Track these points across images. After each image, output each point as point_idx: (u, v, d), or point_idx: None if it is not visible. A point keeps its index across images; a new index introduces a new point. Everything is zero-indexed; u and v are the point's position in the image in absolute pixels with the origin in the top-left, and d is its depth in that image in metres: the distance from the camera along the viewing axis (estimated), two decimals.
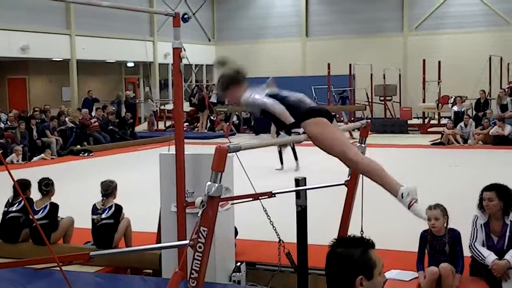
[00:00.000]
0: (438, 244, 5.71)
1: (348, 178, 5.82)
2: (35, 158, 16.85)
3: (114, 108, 23.11)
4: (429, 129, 22.47)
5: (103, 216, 6.75)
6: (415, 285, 5.66)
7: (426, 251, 5.78)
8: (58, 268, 4.00)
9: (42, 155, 17.03)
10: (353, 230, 5.79)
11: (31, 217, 6.62)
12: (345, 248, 2.54)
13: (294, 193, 5.81)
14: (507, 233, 5.57)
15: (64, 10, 24.55)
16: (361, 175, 5.71)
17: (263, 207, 6.08)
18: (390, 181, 4.26)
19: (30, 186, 7.28)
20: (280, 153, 13.13)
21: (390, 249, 6.61)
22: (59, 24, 24.30)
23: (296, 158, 13.31)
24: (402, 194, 4.16)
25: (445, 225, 5.73)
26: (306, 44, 31.09)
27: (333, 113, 4.82)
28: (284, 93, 4.68)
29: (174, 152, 5.67)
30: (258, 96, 4.53)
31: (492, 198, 5.57)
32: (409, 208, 4.17)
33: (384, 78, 25.68)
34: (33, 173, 10.51)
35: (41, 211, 6.93)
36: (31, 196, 7.20)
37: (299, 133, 4.45)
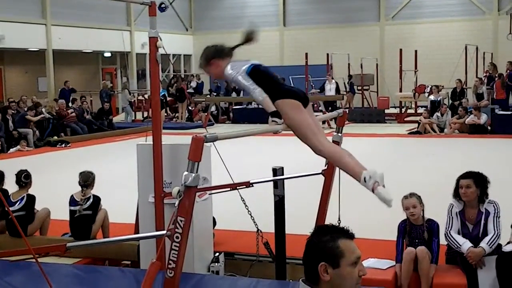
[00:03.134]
0: (416, 232, 5.76)
1: (325, 167, 5.84)
2: (11, 150, 16.72)
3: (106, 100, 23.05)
4: (406, 118, 22.62)
5: (84, 207, 6.73)
6: (391, 273, 5.71)
7: (404, 242, 5.83)
8: (35, 260, 3.98)
9: (19, 146, 16.90)
10: (331, 219, 5.82)
11: (6, 209, 6.56)
12: (317, 235, 2.55)
13: (272, 182, 5.82)
14: (482, 221, 5.63)
15: None
16: None
17: (241, 197, 6.09)
18: (353, 167, 4.22)
19: (4, 177, 7.23)
20: None
21: (367, 237, 6.66)
22: (35, 14, 24.04)
23: None
24: (365, 178, 4.09)
25: (422, 213, 5.79)
26: (283, 34, 31.08)
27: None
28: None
29: (152, 142, 5.65)
30: (242, 78, 4.54)
31: (470, 185, 5.62)
32: (373, 191, 4.09)
33: (361, 67, 25.75)
34: (10, 165, 10.44)
35: (18, 202, 6.87)
36: (6, 188, 7.14)
37: (277, 122, 4.45)
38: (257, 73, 4.61)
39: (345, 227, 2.58)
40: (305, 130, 4.42)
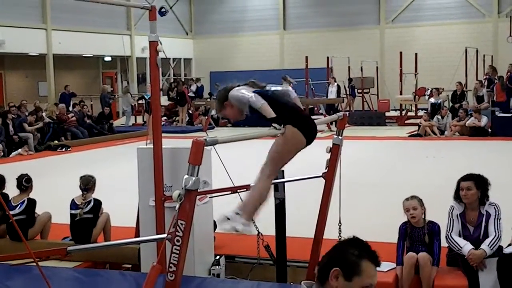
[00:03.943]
0: (417, 235, 5.76)
1: (326, 170, 5.83)
2: (12, 154, 16.72)
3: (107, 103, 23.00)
4: (407, 121, 22.61)
5: (84, 210, 6.73)
6: (392, 276, 5.71)
7: (405, 244, 5.82)
8: (35, 264, 3.98)
9: (20, 150, 16.90)
10: (332, 222, 5.82)
11: (7, 213, 6.57)
12: (349, 244, 2.57)
13: (272, 186, 5.82)
14: (483, 223, 5.63)
15: (40, 4, 24.35)
16: (338, 167, 5.74)
17: (242, 201, 6.08)
18: (252, 207, 4.53)
19: (5, 181, 7.24)
20: None
21: (367, 240, 6.65)
22: (35, 19, 24.08)
23: None
24: (235, 213, 4.41)
25: (423, 216, 5.78)
26: (284, 37, 31.10)
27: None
28: (273, 88, 4.72)
29: (152, 146, 5.65)
30: (245, 91, 4.53)
31: (471, 187, 5.62)
32: (228, 218, 4.42)
33: (361, 70, 25.75)
34: (11, 169, 10.42)
35: (18, 206, 6.88)
36: (7, 192, 7.14)
37: (275, 128, 4.46)
38: (265, 98, 4.54)
39: (376, 253, 2.58)
40: (274, 162, 4.57)
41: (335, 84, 22.79)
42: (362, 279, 2.48)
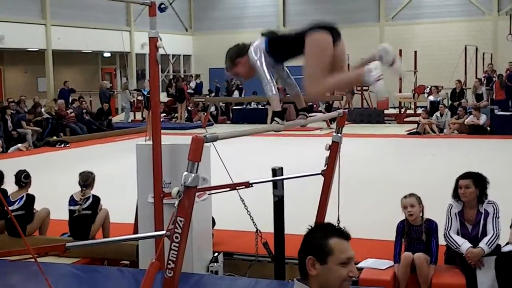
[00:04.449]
0: (414, 233, 5.76)
1: (325, 168, 5.84)
2: (11, 149, 16.71)
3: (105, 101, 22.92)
4: (406, 119, 22.62)
5: (83, 206, 6.73)
6: (390, 274, 5.71)
7: (403, 240, 5.83)
8: (34, 260, 3.98)
9: (19, 145, 16.88)
10: (330, 219, 5.82)
11: (5, 208, 6.56)
12: (312, 231, 2.58)
13: (271, 183, 5.82)
14: (481, 221, 5.63)
15: None
16: (337, 165, 5.74)
17: (240, 197, 6.10)
18: (353, 73, 4.41)
19: (4, 177, 7.23)
20: None
21: (366, 238, 6.66)
22: (35, 14, 24.03)
23: None
24: (369, 69, 4.24)
25: (421, 214, 5.78)
26: None
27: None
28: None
29: (151, 143, 5.65)
30: (260, 65, 4.44)
31: (469, 185, 5.62)
32: (375, 82, 4.18)
33: None
34: (9, 165, 10.43)
35: (17, 202, 6.87)
36: (6, 188, 7.14)
37: (277, 122, 4.45)
38: (275, 42, 4.52)
39: (342, 228, 2.59)
40: (311, 79, 4.44)
41: None
42: (336, 256, 2.47)
